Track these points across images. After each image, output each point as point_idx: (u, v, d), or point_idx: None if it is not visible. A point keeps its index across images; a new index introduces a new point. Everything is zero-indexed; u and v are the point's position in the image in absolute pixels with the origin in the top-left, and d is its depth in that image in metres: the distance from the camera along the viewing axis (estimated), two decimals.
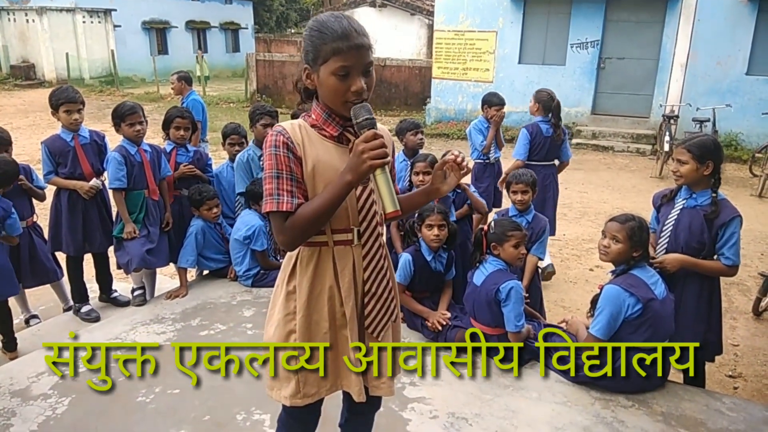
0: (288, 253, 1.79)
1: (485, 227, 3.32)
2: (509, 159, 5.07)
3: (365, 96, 1.61)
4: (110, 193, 3.94)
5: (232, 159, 4.51)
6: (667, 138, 9.45)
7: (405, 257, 3.52)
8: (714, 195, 2.91)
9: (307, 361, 1.77)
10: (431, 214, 3.43)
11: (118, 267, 4.06)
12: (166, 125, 4.27)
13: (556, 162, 5.17)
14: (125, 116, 3.82)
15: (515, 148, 5.02)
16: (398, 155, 4.53)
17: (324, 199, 1.58)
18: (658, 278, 2.88)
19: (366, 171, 1.51)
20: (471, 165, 1.63)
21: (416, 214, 3.52)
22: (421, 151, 4.68)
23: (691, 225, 2.92)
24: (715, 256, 2.94)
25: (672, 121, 9.98)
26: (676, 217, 2.99)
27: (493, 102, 5.35)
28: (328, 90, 1.62)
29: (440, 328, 3.34)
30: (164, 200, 4.08)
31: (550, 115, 4.99)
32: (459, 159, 1.66)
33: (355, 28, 1.58)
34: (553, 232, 5.31)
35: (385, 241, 1.85)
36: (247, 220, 4.13)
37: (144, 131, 3.91)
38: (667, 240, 3.01)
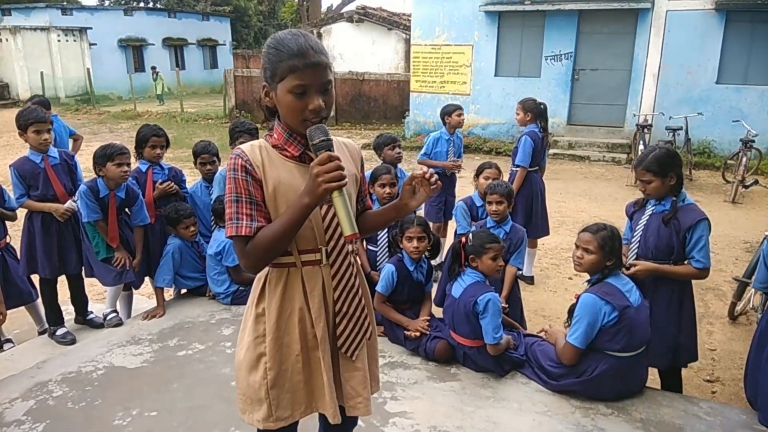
0: (257, 275, 1.77)
1: (463, 239, 3.34)
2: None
3: (324, 114, 1.60)
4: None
5: (204, 178, 4.48)
6: (641, 147, 9.63)
7: (388, 268, 3.53)
8: (674, 198, 2.96)
9: (279, 384, 1.74)
10: (410, 227, 3.45)
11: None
12: (141, 144, 4.19)
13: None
14: (114, 155, 3.70)
15: (519, 156, 5.06)
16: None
17: (283, 222, 1.57)
18: (632, 285, 2.91)
19: (322, 194, 1.49)
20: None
21: (398, 226, 3.53)
22: (399, 165, 4.73)
23: (659, 229, 2.98)
24: (686, 261, 2.99)
25: (646, 130, 10.17)
26: (645, 222, 3.06)
27: (450, 110, 5.46)
28: (286, 108, 1.61)
29: (426, 331, 3.34)
30: (137, 249, 4.03)
31: (538, 121, 5.10)
32: (428, 175, 1.65)
33: (312, 46, 1.57)
34: (546, 232, 5.39)
35: (355, 259, 1.83)
36: (218, 237, 4.11)
37: (129, 174, 3.84)
38: (637, 245, 3.07)
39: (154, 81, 23.17)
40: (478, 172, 4.50)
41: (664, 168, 2.93)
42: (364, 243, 4.10)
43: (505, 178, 4.56)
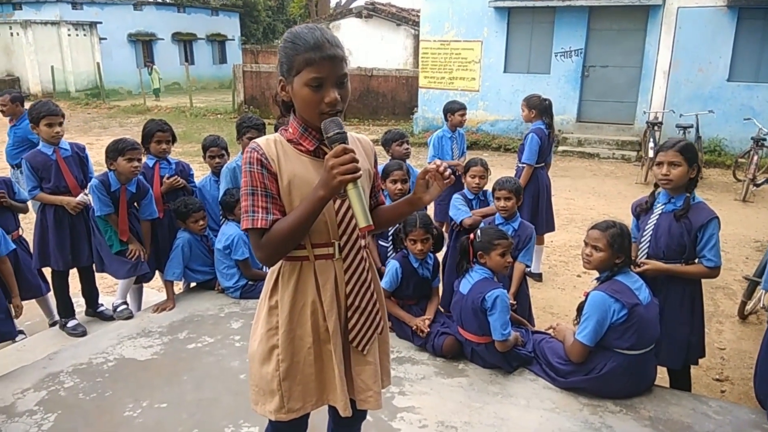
0: (270, 268, 1.78)
1: (471, 236, 3.34)
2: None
3: (339, 107, 1.60)
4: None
5: (213, 171, 4.50)
6: (651, 144, 9.57)
7: (393, 264, 3.53)
8: (687, 195, 2.94)
9: (291, 376, 1.75)
10: (414, 229, 3.43)
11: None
12: (146, 140, 4.18)
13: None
14: (126, 151, 3.74)
15: (526, 154, 5.06)
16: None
17: (298, 215, 1.58)
18: (642, 283, 2.90)
19: (337, 186, 1.50)
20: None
21: (401, 225, 3.52)
22: (408, 161, 4.73)
23: (670, 228, 2.95)
24: (696, 260, 2.97)
25: (656, 128, 10.10)
26: (655, 221, 3.02)
27: (454, 108, 5.44)
28: (302, 101, 1.61)
29: (425, 331, 3.35)
30: (145, 243, 4.06)
31: (543, 117, 5.09)
32: (441, 168, 1.65)
33: (328, 39, 1.58)
34: (552, 228, 5.37)
35: (368, 254, 1.84)
36: (226, 230, 4.14)
37: (140, 169, 3.88)
38: (647, 245, 3.03)
39: (150, 75, 23.17)
40: (465, 170, 4.50)
41: (693, 157, 2.89)
42: (375, 238, 4.11)
43: (496, 174, 4.55)
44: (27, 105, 4.93)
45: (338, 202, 1.69)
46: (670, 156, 2.89)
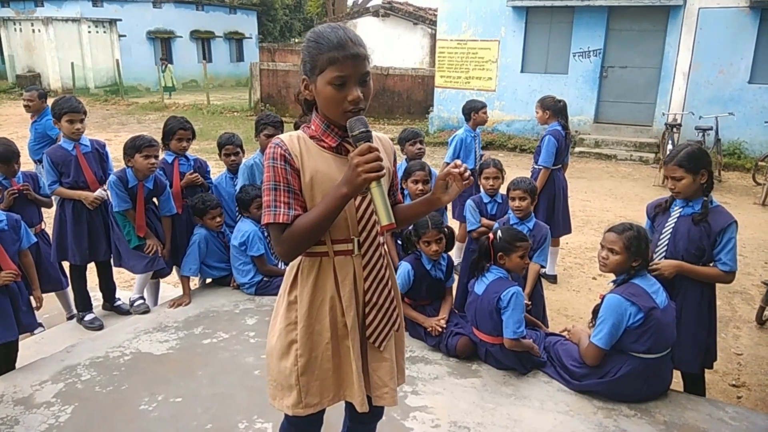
0: (290, 264, 1.80)
1: (491, 236, 3.31)
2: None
3: (362, 106, 1.62)
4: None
5: (229, 169, 4.53)
6: (670, 146, 9.48)
7: (405, 266, 3.51)
8: (705, 199, 2.91)
9: (310, 371, 1.77)
10: (427, 231, 3.39)
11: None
12: (168, 137, 4.23)
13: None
14: (143, 148, 3.79)
15: (543, 156, 5.02)
16: (401, 163, 4.55)
17: (320, 212, 1.59)
18: (659, 287, 2.87)
19: (361, 184, 1.51)
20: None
21: (412, 228, 3.51)
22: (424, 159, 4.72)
23: (689, 232, 2.91)
24: (711, 263, 2.93)
25: (675, 130, 9.99)
26: (673, 225, 2.99)
27: (477, 106, 5.43)
28: (325, 100, 1.63)
29: (439, 330, 3.34)
30: (166, 238, 4.10)
31: (558, 119, 5.06)
32: (461, 170, 1.66)
33: (351, 38, 1.60)
34: (569, 230, 5.34)
35: (386, 251, 1.85)
36: (241, 227, 4.18)
37: (157, 166, 3.93)
38: (665, 248, 3.00)
39: (162, 73, 23.32)
40: (479, 172, 4.49)
41: (696, 164, 2.86)
42: (393, 237, 4.10)
43: (511, 175, 4.52)
44: (48, 101, 5.02)
45: (359, 198, 1.70)
46: (670, 171, 2.93)
